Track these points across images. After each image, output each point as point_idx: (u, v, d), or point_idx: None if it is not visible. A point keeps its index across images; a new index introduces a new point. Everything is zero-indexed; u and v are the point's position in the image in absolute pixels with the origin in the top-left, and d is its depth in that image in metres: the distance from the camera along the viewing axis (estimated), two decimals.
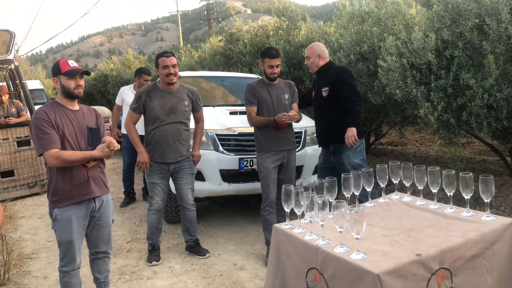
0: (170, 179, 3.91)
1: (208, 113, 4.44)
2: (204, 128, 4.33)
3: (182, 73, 5.96)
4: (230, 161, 4.27)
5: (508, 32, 3.69)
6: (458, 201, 2.19)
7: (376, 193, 3.28)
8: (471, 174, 2.00)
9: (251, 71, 8.11)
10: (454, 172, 2.07)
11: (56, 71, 2.67)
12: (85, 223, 2.75)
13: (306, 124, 4.64)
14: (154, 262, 3.76)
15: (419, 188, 2.27)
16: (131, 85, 5.85)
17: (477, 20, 4.13)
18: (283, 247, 2.06)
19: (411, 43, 4.38)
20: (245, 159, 4.28)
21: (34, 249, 4.28)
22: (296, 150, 4.07)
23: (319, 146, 4.10)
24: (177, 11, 36.87)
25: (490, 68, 3.80)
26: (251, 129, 4.01)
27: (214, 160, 4.25)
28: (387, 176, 2.38)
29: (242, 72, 8.24)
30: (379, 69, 4.73)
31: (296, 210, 2.03)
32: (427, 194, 2.56)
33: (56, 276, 3.55)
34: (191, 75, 6.05)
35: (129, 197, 5.84)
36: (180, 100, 3.78)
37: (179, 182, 3.86)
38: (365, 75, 5.48)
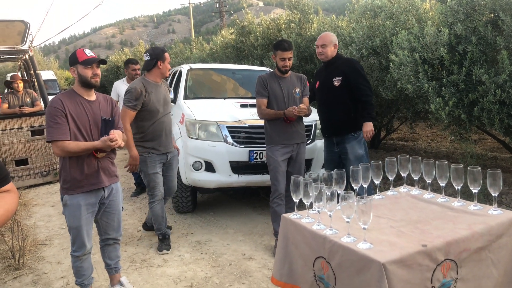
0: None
1: (219, 105, 4.49)
2: (215, 120, 4.40)
3: (193, 66, 6.01)
4: (240, 153, 4.32)
5: None
6: (468, 197, 2.20)
7: (372, 188, 3.25)
8: (479, 168, 2.02)
9: (262, 64, 8.12)
10: (462, 166, 2.08)
11: (73, 60, 2.71)
12: (94, 210, 2.82)
13: (316, 117, 4.65)
14: (164, 251, 3.83)
15: (427, 181, 2.29)
16: (124, 79, 5.89)
17: (492, 15, 4.10)
18: (291, 237, 2.10)
19: (424, 37, 4.36)
20: (255, 152, 4.32)
21: (48, 235, 4.39)
22: (306, 143, 4.09)
23: (324, 136, 4.12)
24: (189, 3, 36.86)
25: (503, 63, 3.77)
26: (262, 122, 4.04)
27: (224, 152, 4.30)
28: (396, 169, 2.40)
29: (253, 65, 8.25)
30: (391, 63, 4.72)
31: (304, 201, 2.06)
32: (437, 190, 2.57)
33: (69, 261, 3.63)
34: (202, 68, 6.08)
35: (140, 187, 5.92)
36: (166, 91, 3.93)
37: (170, 174, 3.97)
38: (377, 69, 5.47)
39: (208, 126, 4.41)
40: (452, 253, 1.76)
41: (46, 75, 15.14)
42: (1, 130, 6.38)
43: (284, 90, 3.78)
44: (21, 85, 6.88)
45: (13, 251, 3.64)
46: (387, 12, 5.51)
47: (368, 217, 1.73)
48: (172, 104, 5.21)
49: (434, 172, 2.24)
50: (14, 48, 6.85)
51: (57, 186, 6.52)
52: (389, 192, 2.47)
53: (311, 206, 2.08)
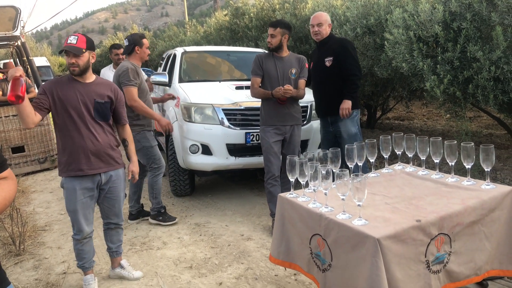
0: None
1: (214, 88, 4.48)
2: (211, 102, 4.39)
3: (188, 48, 5.96)
4: (237, 135, 4.33)
5: None
6: (463, 173, 2.23)
7: (367, 167, 3.39)
8: (472, 144, 2.04)
9: (257, 46, 8.06)
10: (456, 142, 2.11)
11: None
12: (92, 195, 2.81)
13: (312, 98, 4.65)
14: (172, 221, 4.09)
15: (422, 158, 2.31)
16: (110, 66, 5.82)
17: None
18: (288, 215, 2.13)
19: (418, 15, 4.34)
20: (251, 133, 4.33)
21: (47, 221, 4.42)
22: (302, 124, 4.10)
23: (319, 116, 4.21)
24: None
25: (498, 40, 3.76)
26: (257, 104, 4.04)
27: (220, 135, 4.31)
28: (390, 147, 2.42)
29: (248, 46, 8.19)
30: (386, 42, 4.70)
31: (300, 180, 2.09)
32: (432, 167, 2.59)
33: (69, 246, 3.68)
34: (196, 50, 6.04)
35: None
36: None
37: None
38: (372, 48, 5.44)
39: (204, 109, 4.41)
40: (445, 228, 1.79)
41: (40, 61, 14.98)
42: None
43: (279, 70, 3.76)
44: None
45: (13, 238, 3.67)
46: None
47: (362, 194, 1.75)
48: (167, 87, 5.20)
49: (428, 149, 2.26)
50: (5, 34, 6.77)
51: (54, 173, 6.54)
52: (384, 170, 2.49)
53: (307, 185, 2.11)
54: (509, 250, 2.00)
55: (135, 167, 3.04)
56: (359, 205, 1.77)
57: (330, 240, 1.82)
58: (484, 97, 4.01)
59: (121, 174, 2.95)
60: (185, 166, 4.54)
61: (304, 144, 4.54)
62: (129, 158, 3.07)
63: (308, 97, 4.24)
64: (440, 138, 2.22)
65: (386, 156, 2.44)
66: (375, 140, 2.37)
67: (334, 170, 1.99)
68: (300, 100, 3.92)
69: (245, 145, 4.36)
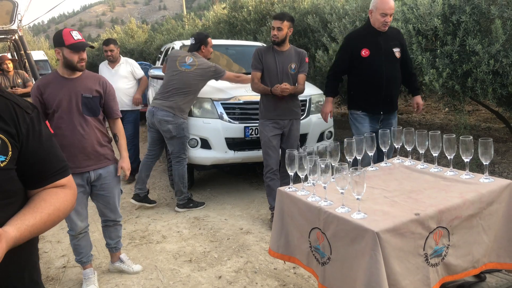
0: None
1: (212, 82, 4.47)
2: (209, 96, 4.39)
3: (186, 42, 5.94)
4: (236, 129, 4.33)
5: None
6: (462, 167, 2.24)
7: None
8: (471, 137, 2.04)
9: (255, 39, 8.03)
10: (454, 136, 2.11)
11: (59, 42, 2.59)
12: (82, 190, 2.77)
13: (311, 92, 4.65)
14: (203, 206, 4.38)
15: (420, 152, 2.32)
16: (106, 61, 5.74)
17: None
18: (287, 209, 2.14)
19: (417, 8, 4.33)
20: (250, 128, 4.33)
21: None
22: (301, 118, 4.09)
23: (367, 112, 3.65)
24: None
25: (497, 33, 3.76)
26: (256, 98, 4.03)
27: (219, 129, 4.31)
28: (389, 141, 2.42)
29: (246, 40, 8.16)
30: None
31: (299, 174, 2.09)
32: (431, 161, 2.59)
33: (69, 240, 3.68)
34: None
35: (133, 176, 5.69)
36: None
37: None
38: None
39: (203, 103, 4.41)
40: (444, 221, 1.80)
41: (37, 55, 14.90)
42: None
43: (279, 64, 3.71)
44: (10, 65, 6.77)
45: None
46: None
47: (362, 188, 1.76)
48: None
49: (427, 143, 2.27)
50: (3, 28, 6.72)
51: None
52: (383, 164, 2.50)
53: (306, 179, 2.11)
54: (507, 243, 2.01)
55: (125, 163, 2.93)
56: (358, 198, 1.78)
57: (329, 233, 1.83)
58: (483, 91, 4.01)
59: (112, 171, 2.88)
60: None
61: (303, 138, 4.54)
62: (120, 154, 3.00)
63: (307, 91, 4.23)
64: (439, 132, 2.22)
65: (384, 150, 2.44)
66: (373, 134, 2.38)
67: (333, 164, 2.00)
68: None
69: (244, 139, 4.36)
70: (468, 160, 2.08)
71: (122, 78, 5.27)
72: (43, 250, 3.59)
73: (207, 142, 4.35)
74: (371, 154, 2.37)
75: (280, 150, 3.85)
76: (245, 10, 8.90)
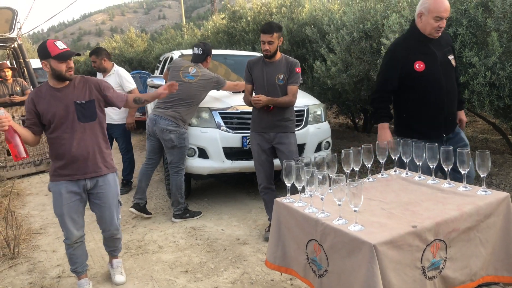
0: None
1: (211, 91, 4.48)
2: (207, 106, 4.39)
3: (185, 51, 5.96)
4: (233, 139, 4.32)
5: None
6: (459, 178, 2.25)
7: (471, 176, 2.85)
8: (468, 149, 2.05)
9: (254, 49, 8.08)
10: (451, 148, 2.11)
11: (45, 54, 2.58)
12: (80, 198, 2.77)
13: (308, 102, 4.66)
14: (199, 215, 4.37)
15: (418, 163, 2.32)
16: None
17: None
18: (284, 220, 2.13)
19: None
20: (247, 137, 4.33)
21: (42, 224, 4.39)
22: (298, 128, 4.08)
23: (428, 139, 2.65)
24: None
25: (493, 45, 3.78)
26: None
27: (217, 138, 4.31)
28: (387, 153, 2.43)
29: (245, 50, 8.20)
30: (382, 47, 4.72)
31: (297, 185, 2.09)
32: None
33: (64, 249, 3.65)
34: None
35: (127, 187, 5.56)
36: None
37: None
38: (368, 53, 5.45)
39: (201, 112, 4.41)
40: (441, 233, 1.80)
41: (36, 63, 14.86)
42: None
43: (265, 76, 3.58)
44: (9, 73, 6.78)
45: (8, 241, 3.64)
46: None
47: (359, 199, 1.75)
48: None
49: (424, 155, 2.27)
50: (2, 36, 6.75)
51: None
52: (380, 175, 2.50)
53: (303, 190, 2.11)
54: (504, 256, 2.01)
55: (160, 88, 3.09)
56: (355, 210, 1.78)
57: (327, 245, 1.83)
58: (480, 103, 4.03)
59: (110, 180, 2.85)
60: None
61: (301, 148, 4.54)
62: (152, 97, 3.10)
63: (304, 101, 4.25)
64: (436, 144, 2.23)
65: (382, 161, 2.44)
66: (371, 145, 2.38)
67: (330, 175, 1.99)
68: (296, 104, 3.75)
69: (241, 149, 4.36)
70: (465, 172, 2.08)
71: None
72: (38, 260, 3.56)
73: (205, 152, 4.35)
74: (368, 165, 2.36)
75: (272, 164, 3.74)
76: (244, 20, 8.96)
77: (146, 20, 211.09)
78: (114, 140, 5.35)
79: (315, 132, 4.57)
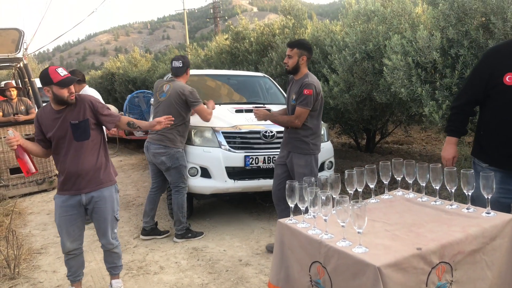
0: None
1: (214, 111, 4.51)
2: (210, 125, 4.41)
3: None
4: (236, 158, 4.32)
5: None
6: (463, 199, 2.22)
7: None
8: (472, 170, 2.04)
9: (257, 70, 8.15)
10: (455, 169, 2.10)
11: (47, 81, 2.73)
12: (77, 212, 2.89)
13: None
14: (202, 235, 4.33)
15: (422, 184, 2.31)
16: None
17: (483, 19, 4.14)
18: (287, 242, 2.10)
19: (416, 41, 4.40)
20: (250, 157, 4.33)
21: (43, 244, 4.36)
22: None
23: (501, 168, 2.53)
24: (184, 9, 36.94)
25: None
26: (257, 127, 4.06)
27: (220, 158, 4.31)
28: (390, 173, 2.41)
29: (248, 70, 8.28)
30: (384, 67, 4.76)
31: (300, 206, 2.07)
32: (432, 193, 2.56)
33: (65, 270, 3.60)
34: (197, 74, 6.09)
35: None
36: None
37: None
38: (371, 73, 5.50)
39: (204, 132, 4.42)
40: (446, 256, 1.77)
41: None
42: None
43: (288, 93, 3.78)
44: (14, 92, 6.85)
45: (8, 261, 3.61)
46: (380, 17, 5.55)
47: (363, 221, 1.74)
48: None
49: (428, 175, 2.26)
50: (8, 56, 6.84)
51: (52, 194, 6.48)
52: (384, 196, 2.48)
53: (306, 211, 2.09)
54: (511, 279, 1.97)
55: (154, 121, 3.08)
56: (359, 232, 1.76)
57: (330, 267, 1.80)
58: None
59: (105, 195, 2.93)
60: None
61: None
62: (145, 127, 3.13)
63: None
64: (440, 165, 2.22)
65: (385, 181, 2.43)
66: (374, 166, 2.37)
67: (334, 196, 1.98)
68: None
69: (244, 168, 4.35)
70: (469, 193, 2.07)
71: None
72: (38, 280, 3.52)
73: (207, 171, 4.34)
74: (372, 186, 2.35)
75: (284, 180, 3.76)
76: (247, 41, 9.07)
77: (150, 40, 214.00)
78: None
79: (327, 150, 4.57)
